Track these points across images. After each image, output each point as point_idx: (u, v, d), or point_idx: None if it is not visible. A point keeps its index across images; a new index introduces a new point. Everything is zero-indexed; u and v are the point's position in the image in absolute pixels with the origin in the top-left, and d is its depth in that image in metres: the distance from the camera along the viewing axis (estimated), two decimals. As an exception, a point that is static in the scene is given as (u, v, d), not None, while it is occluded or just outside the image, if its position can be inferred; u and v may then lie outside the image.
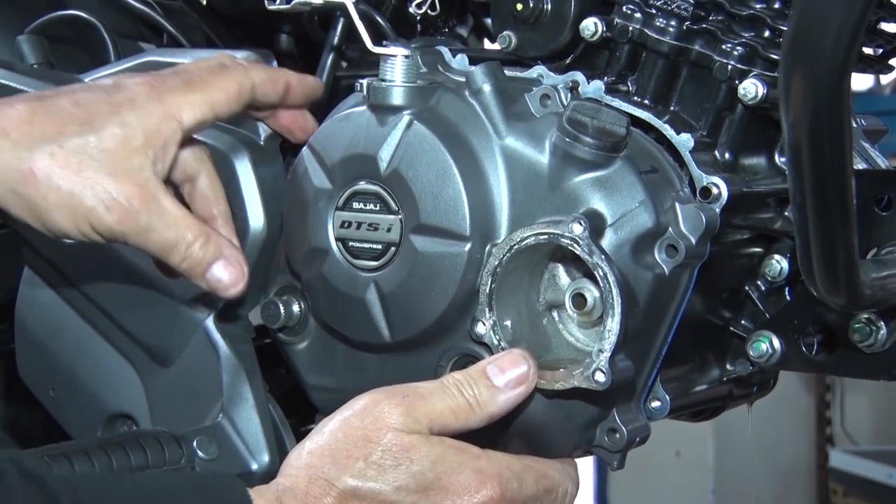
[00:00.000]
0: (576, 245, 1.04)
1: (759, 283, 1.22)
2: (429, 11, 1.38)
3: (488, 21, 1.46)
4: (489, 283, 1.07)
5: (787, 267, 1.20)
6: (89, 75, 1.37)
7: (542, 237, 1.05)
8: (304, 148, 1.16)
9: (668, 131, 1.14)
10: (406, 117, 1.10)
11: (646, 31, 1.17)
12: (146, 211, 1.08)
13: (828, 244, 0.96)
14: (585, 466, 1.21)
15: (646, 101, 1.18)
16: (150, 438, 1.16)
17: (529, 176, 1.08)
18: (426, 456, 1.03)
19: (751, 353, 1.19)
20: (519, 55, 1.23)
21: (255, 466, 1.21)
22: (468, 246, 1.08)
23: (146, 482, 1.01)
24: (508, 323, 1.08)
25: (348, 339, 1.17)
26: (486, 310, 1.07)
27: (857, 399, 4.88)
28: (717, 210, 1.10)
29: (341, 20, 1.34)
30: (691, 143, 1.13)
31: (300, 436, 1.23)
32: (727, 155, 1.17)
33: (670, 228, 1.07)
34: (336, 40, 1.34)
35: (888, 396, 4.80)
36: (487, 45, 1.52)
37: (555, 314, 1.11)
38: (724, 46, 1.15)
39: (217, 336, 1.25)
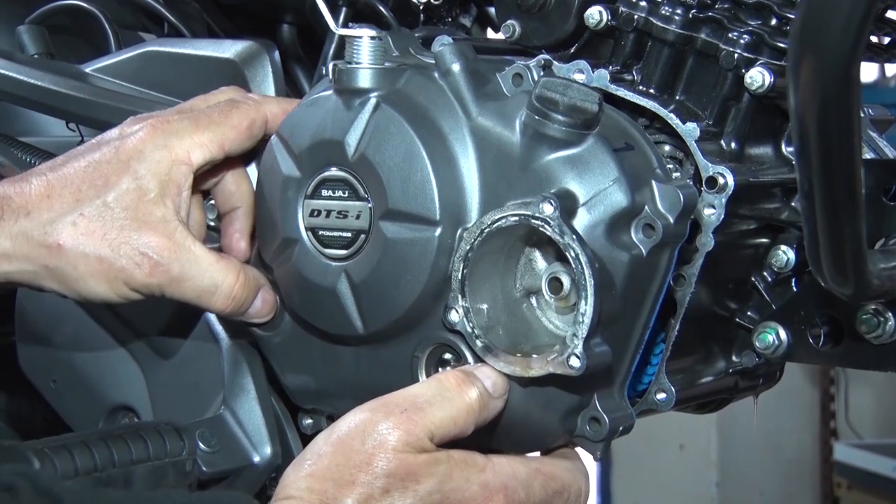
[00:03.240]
0: (546, 226, 1.01)
1: (765, 273, 1.21)
2: (432, 1, 1.37)
3: (492, 10, 1.44)
4: (461, 268, 1.05)
5: (794, 258, 1.19)
6: (90, 65, 1.36)
7: (512, 219, 1.03)
8: (273, 137, 1.14)
9: (674, 120, 1.12)
10: (373, 100, 1.08)
11: (651, 19, 1.16)
12: (178, 261, 1.09)
13: (836, 234, 0.95)
14: (588, 457, 1.19)
15: (651, 91, 1.17)
16: (151, 430, 1.15)
17: (500, 157, 1.06)
18: (432, 476, 1.01)
19: (757, 344, 1.18)
20: (523, 44, 1.22)
21: (256, 458, 1.20)
22: (438, 231, 1.05)
23: (161, 502, 0.99)
24: (484, 308, 1.06)
25: (322, 332, 1.14)
26: (459, 296, 1.05)
27: (861, 392, 4.87)
28: (724, 200, 1.09)
29: (343, 10, 1.33)
30: (697, 133, 1.11)
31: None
32: (733, 144, 1.16)
33: (647, 207, 1.04)
34: (338, 30, 1.32)
35: (892, 390, 4.79)
36: (491, 34, 1.51)
37: (533, 301, 1.08)
38: (730, 35, 1.14)
39: (218, 328, 1.24)
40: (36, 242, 1.08)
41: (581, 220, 1.03)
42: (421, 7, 1.38)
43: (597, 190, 1.03)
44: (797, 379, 4.77)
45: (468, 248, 1.05)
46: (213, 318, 1.24)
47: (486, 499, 1.03)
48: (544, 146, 1.04)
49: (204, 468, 1.17)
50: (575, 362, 1.00)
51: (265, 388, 1.23)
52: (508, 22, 1.22)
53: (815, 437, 4.90)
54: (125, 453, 1.12)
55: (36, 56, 1.42)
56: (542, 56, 1.15)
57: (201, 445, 1.18)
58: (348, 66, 1.09)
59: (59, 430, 1.22)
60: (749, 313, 1.21)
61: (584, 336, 1.00)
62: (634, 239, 1.04)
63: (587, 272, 1.00)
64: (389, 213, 1.07)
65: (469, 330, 1.05)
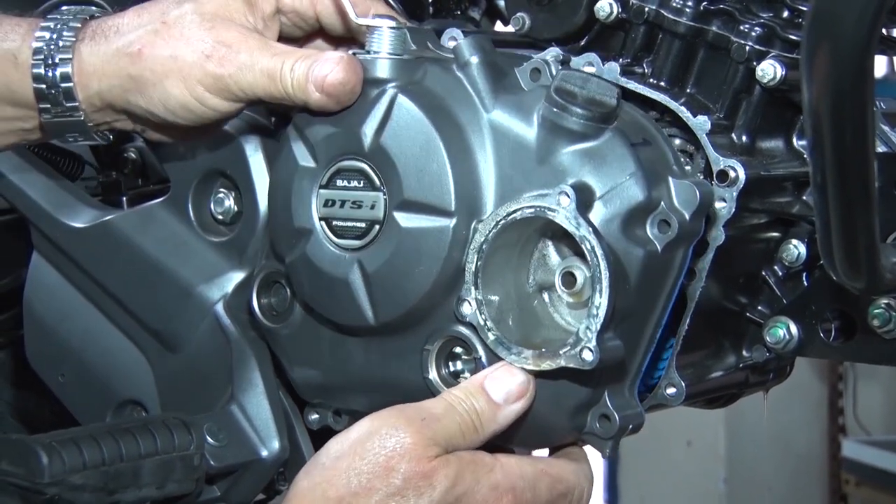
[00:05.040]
0: (562, 218, 1.01)
1: (776, 268, 1.21)
2: (441, -6, 1.37)
3: (501, 3, 1.44)
4: (475, 260, 1.04)
5: (805, 252, 1.18)
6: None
7: (528, 211, 1.02)
8: (289, 126, 1.14)
9: (685, 113, 1.12)
10: (390, 90, 1.08)
11: (662, 11, 1.16)
12: (247, 49, 1.10)
13: (848, 227, 0.95)
14: (595, 454, 1.18)
15: (662, 83, 1.17)
16: (159, 424, 1.15)
17: (517, 149, 1.05)
18: (445, 478, 1.00)
19: (768, 339, 1.17)
20: (532, 37, 1.22)
21: (264, 453, 1.20)
22: (453, 222, 1.05)
23: None
24: (496, 301, 1.05)
25: (333, 323, 1.14)
26: (472, 288, 1.04)
27: (869, 388, 4.86)
28: (735, 193, 1.08)
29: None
30: (708, 126, 1.11)
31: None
32: (744, 138, 1.16)
33: (663, 203, 1.04)
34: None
35: (901, 386, 4.78)
36: (500, 27, 1.50)
37: (545, 296, 1.07)
38: (741, 27, 1.14)
39: (227, 321, 1.24)
40: (122, 54, 1.11)
41: (597, 214, 1.02)
42: (430, 0, 1.37)
43: (613, 184, 1.03)
44: (805, 375, 4.76)
45: (483, 240, 1.04)
46: (221, 311, 1.24)
47: (496, 500, 1.02)
48: (562, 139, 1.04)
49: (212, 462, 1.17)
50: (588, 356, 1.00)
51: (273, 382, 1.23)
52: (518, 14, 1.22)
53: (824, 434, 4.89)
54: (133, 447, 1.12)
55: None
56: (555, 49, 1.14)
57: (209, 439, 1.17)
58: (367, 55, 1.09)
59: (66, 424, 1.22)
60: (760, 308, 1.21)
61: (597, 329, 0.99)
62: (650, 234, 1.04)
63: (602, 265, 0.99)
64: (404, 204, 1.07)
65: (481, 322, 1.05)
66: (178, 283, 1.26)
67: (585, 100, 1.03)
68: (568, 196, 1.00)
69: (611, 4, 1.17)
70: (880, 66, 4.51)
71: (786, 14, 1.15)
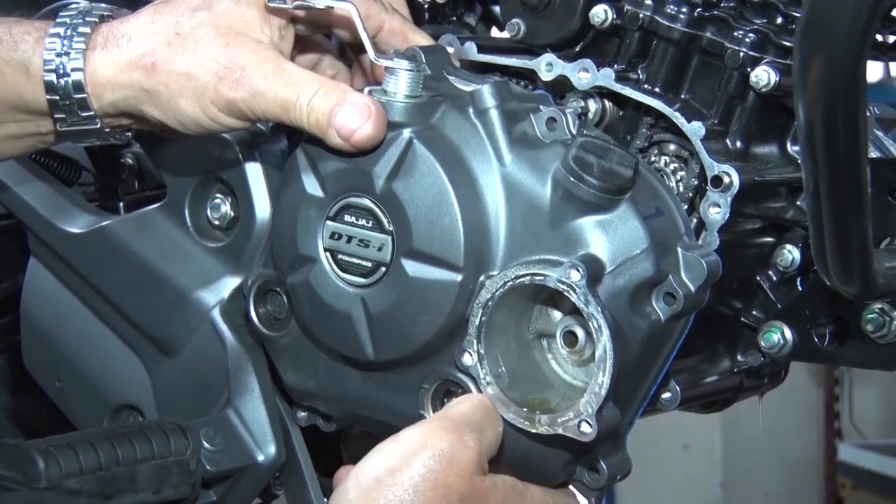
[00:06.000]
0: (571, 292, 1.00)
1: (770, 273, 1.21)
2: (436, 0, 1.37)
3: (497, 9, 1.44)
4: (480, 315, 1.04)
5: (799, 257, 1.19)
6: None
7: (537, 278, 1.02)
8: (298, 149, 1.13)
9: (679, 119, 1.12)
10: (405, 135, 1.07)
11: (656, 18, 1.16)
12: (261, 74, 1.08)
13: (842, 233, 0.95)
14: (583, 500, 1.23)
15: (656, 89, 1.17)
16: (155, 429, 1.15)
17: (529, 209, 1.05)
18: (494, 500, 1.02)
19: (762, 343, 1.17)
20: (528, 43, 1.22)
21: (260, 458, 1.20)
22: (461, 277, 1.05)
23: None
24: (497, 355, 1.05)
25: (331, 349, 1.14)
26: (475, 342, 1.04)
27: (865, 392, 4.86)
28: (729, 199, 1.08)
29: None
30: (702, 132, 1.11)
31: (305, 429, 1.23)
32: (739, 143, 1.16)
33: (670, 276, 1.04)
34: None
35: (897, 390, 4.78)
36: (496, 33, 1.50)
37: (544, 343, 1.08)
38: (735, 33, 1.14)
39: (223, 326, 1.24)
40: (135, 66, 1.10)
41: (605, 287, 1.02)
42: (426, 6, 1.37)
43: (624, 258, 1.03)
44: (802, 379, 4.76)
45: (489, 297, 1.04)
46: (218, 316, 1.24)
47: None
48: (575, 207, 1.03)
49: (208, 467, 1.17)
50: (586, 429, 1.00)
51: (269, 387, 1.23)
52: (513, 20, 1.22)
53: (820, 438, 4.89)
54: (129, 452, 1.12)
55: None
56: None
57: (205, 444, 1.17)
58: (383, 95, 1.08)
59: (63, 429, 1.22)
60: (754, 312, 1.21)
61: (597, 406, 0.99)
62: (655, 306, 1.04)
63: (608, 346, 0.99)
64: (413, 253, 1.07)
65: (481, 375, 1.05)
66: (174, 288, 1.26)
67: (602, 171, 1.02)
68: (579, 271, 1.00)
69: (605, 11, 1.17)
70: (876, 71, 4.51)
71: (779, 20, 1.15)
